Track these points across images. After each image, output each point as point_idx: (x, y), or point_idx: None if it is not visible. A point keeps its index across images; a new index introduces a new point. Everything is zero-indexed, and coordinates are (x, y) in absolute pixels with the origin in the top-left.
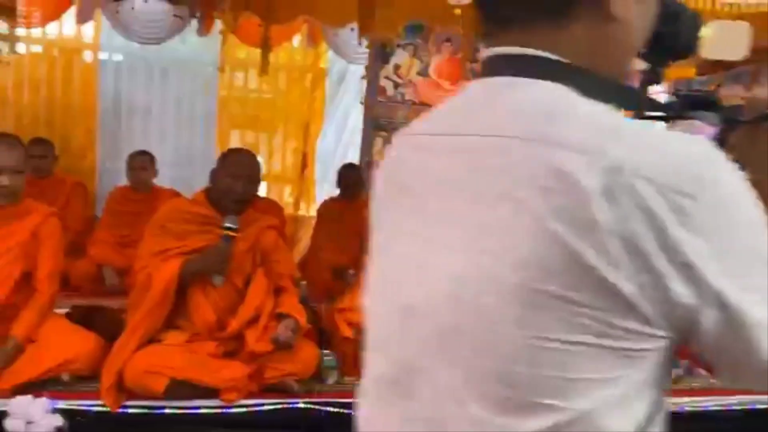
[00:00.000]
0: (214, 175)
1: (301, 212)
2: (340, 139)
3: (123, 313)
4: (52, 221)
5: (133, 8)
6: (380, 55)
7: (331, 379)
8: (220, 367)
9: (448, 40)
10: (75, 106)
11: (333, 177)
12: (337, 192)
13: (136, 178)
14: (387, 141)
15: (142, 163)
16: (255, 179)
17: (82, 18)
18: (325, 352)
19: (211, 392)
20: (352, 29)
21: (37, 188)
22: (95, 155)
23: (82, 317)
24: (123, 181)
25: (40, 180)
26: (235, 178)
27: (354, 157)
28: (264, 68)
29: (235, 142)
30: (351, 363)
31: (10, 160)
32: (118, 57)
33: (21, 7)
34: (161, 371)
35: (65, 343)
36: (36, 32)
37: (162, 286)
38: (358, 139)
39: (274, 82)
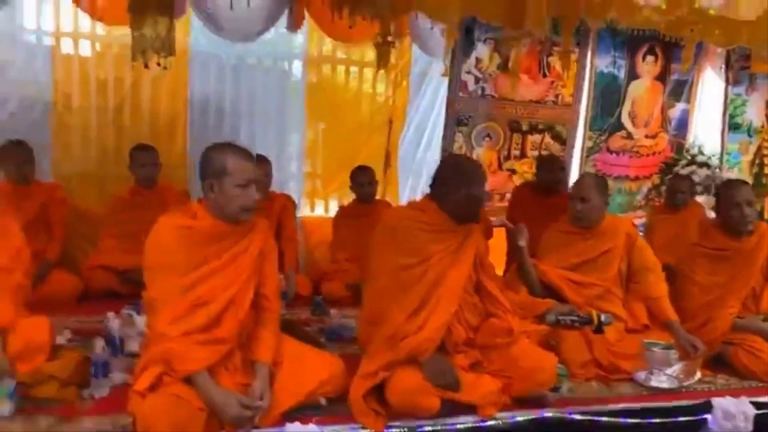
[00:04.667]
0: (449, 184)
1: None
2: (422, 135)
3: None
4: (271, 236)
5: (231, 8)
6: (462, 50)
7: (565, 387)
8: (474, 382)
9: (528, 33)
10: (165, 109)
11: (415, 174)
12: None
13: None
14: (467, 136)
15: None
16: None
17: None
18: None
19: (468, 407)
20: (432, 27)
21: (143, 198)
22: (186, 159)
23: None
24: None
25: (146, 189)
26: (481, 189)
27: (435, 154)
28: (385, 63)
29: (319, 138)
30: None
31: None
32: (206, 56)
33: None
34: (431, 390)
35: (315, 366)
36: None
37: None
38: (439, 135)
39: (359, 78)
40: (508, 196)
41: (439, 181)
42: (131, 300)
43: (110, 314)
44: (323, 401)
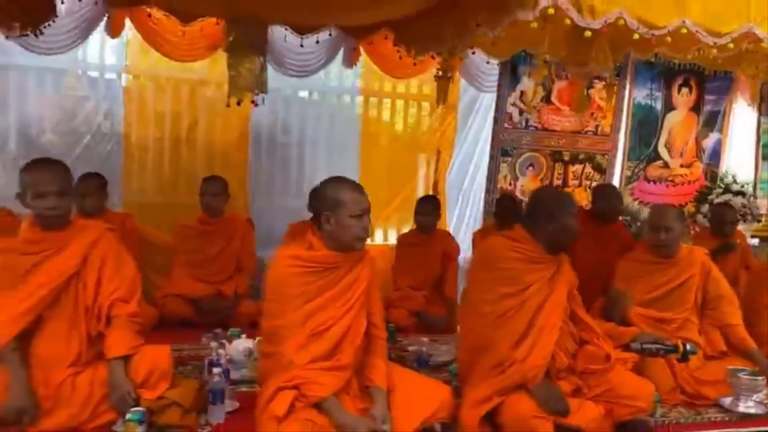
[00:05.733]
0: (544, 215)
1: None
2: (468, 165)
3: None
4: (374, 263)
5: (302, 45)
6: (508, 83)
7: (658, 413)
8: (578, 407)
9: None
10: (228, 140)
11: (462, 202)
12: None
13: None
14: (512, 166)
15: None
16: None
17: None
18: None
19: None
20: (489, 61)
21: (211, 227)
22: (247, 187)
23: None
24: (277, 213)
25: (214, 219)
26: (574, 220)
27: (481, 183)
28: (444, 98)
29: (374, 170)
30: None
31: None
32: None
33: None
34: (545, 416)
35: (427, 392)
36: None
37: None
38: (485, 165)
39: (409, 110)
40: None
41: (533, 212)
42: (206, 328)
43: (214, 344)
44: (438, 427)
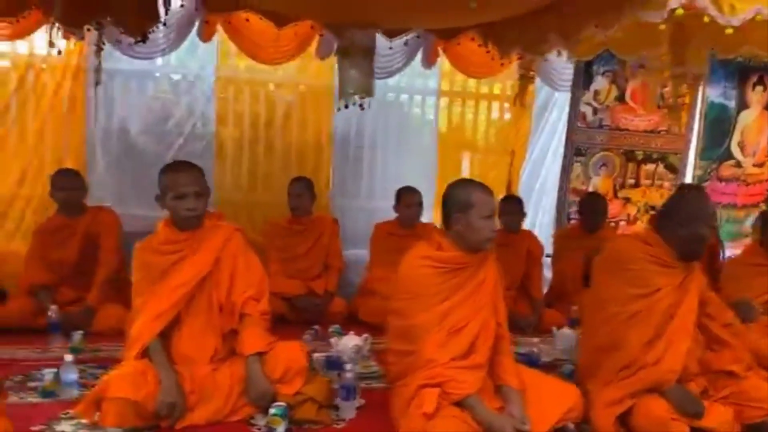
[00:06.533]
0: (678, 218)
1: None
2: (542, 165)
3: None
4: (499, 267)
5: (391, 48)
6: (582, 82)
7: None
8: (708, 409)
9: (641, 66)
10: (310, 142)
11: (534, 202)
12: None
13: (408, 215)
14: (585, 166)
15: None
16: None
17: (322, 54)
18: None
19: None
20: (567, 58)
21: (300, 226)
22: (329, 187)
23: None
24: (355, 214)
25: (302, 218)
26: (707, 229)
27: (554, 184)
28: (522, 100)
29: (451, 169)
30: None
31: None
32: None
33: None
34: (679, 418)
35: (557, 393)
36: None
37: None
38: (558, 165)
39: (481, 110)
40: (623, 223)
41: (669, 213)
42: (299, 326)
43: (333, 340)
44: (572, 426)
